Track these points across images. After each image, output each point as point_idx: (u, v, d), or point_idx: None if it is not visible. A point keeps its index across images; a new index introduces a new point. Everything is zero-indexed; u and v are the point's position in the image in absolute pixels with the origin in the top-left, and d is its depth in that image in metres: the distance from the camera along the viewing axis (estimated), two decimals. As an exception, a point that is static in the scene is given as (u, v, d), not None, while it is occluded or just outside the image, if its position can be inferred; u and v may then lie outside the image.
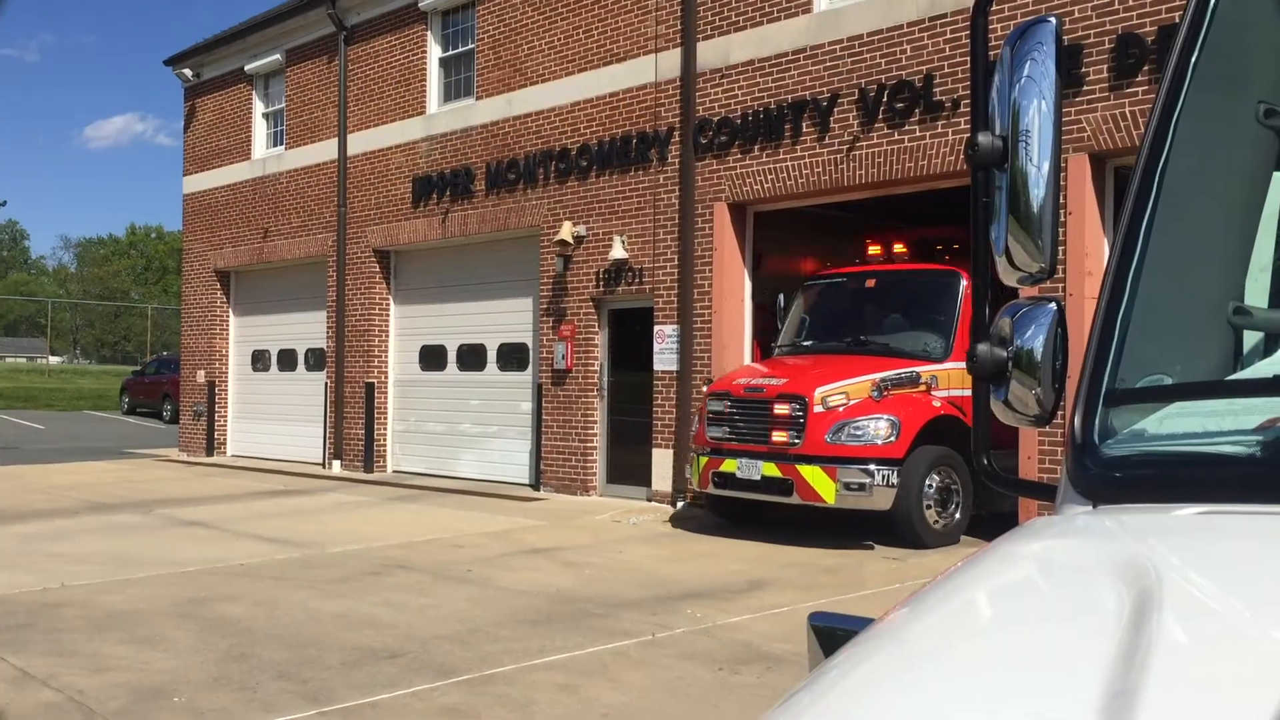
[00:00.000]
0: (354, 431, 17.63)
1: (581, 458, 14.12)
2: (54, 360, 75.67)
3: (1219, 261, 1.76)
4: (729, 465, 10.67)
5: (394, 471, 17.26)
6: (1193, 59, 1.71)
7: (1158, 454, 1.61)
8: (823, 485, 9.98)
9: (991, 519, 10.35)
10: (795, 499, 10.23)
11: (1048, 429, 8.21)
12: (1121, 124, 9.56)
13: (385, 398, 17.57)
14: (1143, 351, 1.68)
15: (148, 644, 6.60)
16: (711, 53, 12.84)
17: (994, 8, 7.58)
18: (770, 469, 10.33)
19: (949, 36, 10.84)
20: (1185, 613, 1.14)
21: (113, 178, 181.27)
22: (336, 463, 17.86)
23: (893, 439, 9.96)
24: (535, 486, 14.67)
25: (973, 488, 10.37)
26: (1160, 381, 1.69)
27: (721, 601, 7.86)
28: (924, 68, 11.00)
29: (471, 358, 16.41)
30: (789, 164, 12.06)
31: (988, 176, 1.76)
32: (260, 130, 20.43)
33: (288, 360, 19.97)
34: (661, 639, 6.74)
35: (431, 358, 17.05)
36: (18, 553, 9.87)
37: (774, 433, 10.34)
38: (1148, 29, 9.48)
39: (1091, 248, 9.75)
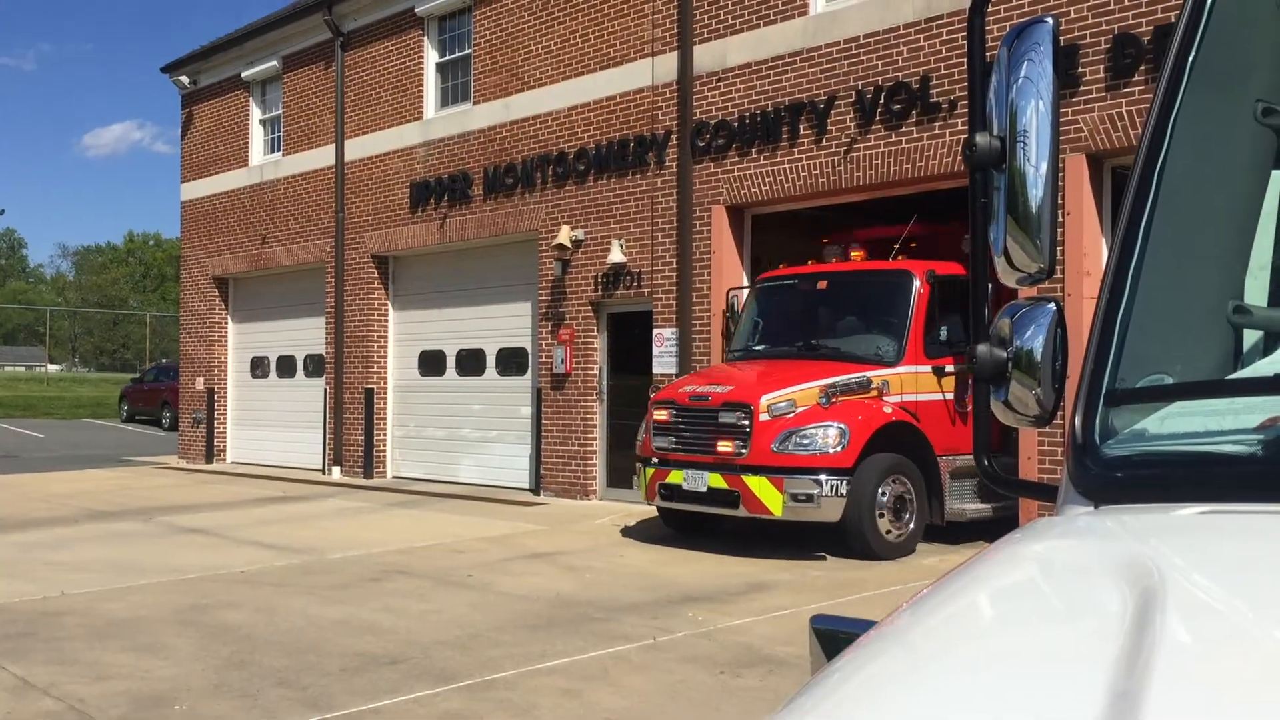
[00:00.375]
0: (353, 437, 17.62)
1: (581, 462, 14.11)
2: (53, 368, 75.74)
3: (1218, 260, 1.76)
4: (675, 476, 10.26)
5: (394, 477, 17.26)
6: (1190, 58, 1.71)
7: (1159, 454, 1.61)
8: (769, 497, 9.59)
9: (951, 529, 10.15)
10: (742, 511, 9.83)
11: (1048, 429, 8.20)
12: (1119, 124, 9.57)
13: (384, 403, 17.56)
14: (1143, 351, 1.67)
15: (148, 652, 6.59)
16: (708, 56, 12.85)
17: (990, 8, 7.57)
18: (716, 480, 9.91)
19: (945, 38, 10.85)
20: (1188, 613, 1.13)
21: (111, 185, 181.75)
22: (336, 469, 17.84)
23: (841, 447, 9.53)
24: (535, 491, 14.66)
25: (928, 496, 10.01)
26: (1160, 381, 1.68)
27: (722, 604, 7.85)
28: (921, 69, 11.00)
29: (471, 362, 16.40)
30: (786, 166, 12.06)
31: (986, 177, 1.75)
32: (258, 137, 20.42)
33: (287, 367, 19.96)
34: (663, 642, 6.74)
35: (431, 363, 17.04)
36: (18, 561, 9.86)
37: (719, 442, 9.92)
38: (1144, 29, 9.50)
39: (1090, 248, 9.75)
